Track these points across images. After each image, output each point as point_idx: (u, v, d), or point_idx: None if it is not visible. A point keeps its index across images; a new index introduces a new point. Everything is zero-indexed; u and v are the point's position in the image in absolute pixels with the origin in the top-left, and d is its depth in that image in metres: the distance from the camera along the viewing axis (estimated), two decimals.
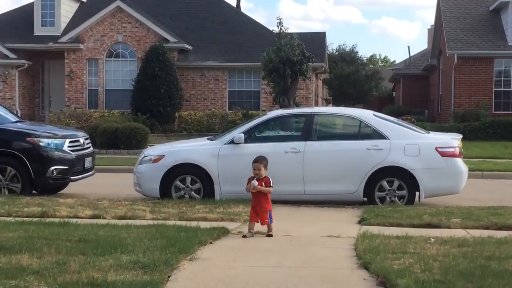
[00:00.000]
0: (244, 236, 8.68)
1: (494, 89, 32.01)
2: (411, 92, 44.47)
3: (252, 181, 9.03)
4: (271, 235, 8.77)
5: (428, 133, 13.06)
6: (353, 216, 10.73)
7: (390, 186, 11.93)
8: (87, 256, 6.89)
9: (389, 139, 12.00)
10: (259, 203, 8.98)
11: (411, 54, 49.86)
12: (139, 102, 31.51)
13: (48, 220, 9.61)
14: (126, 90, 33.08)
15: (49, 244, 7.49)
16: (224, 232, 8.82)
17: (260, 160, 9.25)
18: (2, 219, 9.48)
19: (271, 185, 9.11)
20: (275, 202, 11.79)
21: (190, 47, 33.71)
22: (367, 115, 12.66)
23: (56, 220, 9.64)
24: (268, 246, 8.14)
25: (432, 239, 8.18)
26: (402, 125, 12.71)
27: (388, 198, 11.92)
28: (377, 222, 9.79)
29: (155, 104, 31.18)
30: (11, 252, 6.99)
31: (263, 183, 9.06)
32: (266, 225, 8.94)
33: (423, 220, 9.78)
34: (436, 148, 11.97)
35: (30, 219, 9.65)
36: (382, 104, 44.99)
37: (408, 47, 74.34)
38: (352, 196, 12.00)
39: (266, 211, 8.94)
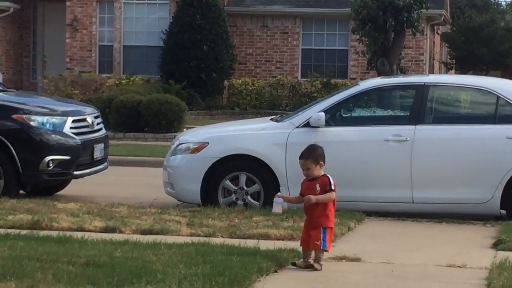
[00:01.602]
0: (294, 264, 8.49)
1: None
2: None
3: (306, 197, 8.59)
4: (313, 268, 8.37)
5: None
6: (485, 236, 10.63)
7: None
8: (98, 287, 6.94)
9: None
10: (310, 218, 8.67)
11: None
12: (172, 65, 31.77)
13: (42, 233, 9.67)
14: (153, 47, 33.38)
15: (44, 268, 7.52)
16: (295, 256, 8.83)
17: (306, 154, 8.82)
18: None
19: (333, 187, 8.63)
20: (369, 213, 11.80)
21: None
22: (508, 88, 12.51)
23: (54, 233, 9.71)
24: (360, 279, 8.12)
25: None
26: None
27: None
28: None
29: (195, 68, 31.40)
30: None
31: (317, 186, 8.65)
32: (315, 250, 8.50)
33: None
34: None
35: (17, 231, 9.73)
36: None
37: None
38: (484, 207, 11.90)
39: (320, 229, 8.52)
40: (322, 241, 8.42)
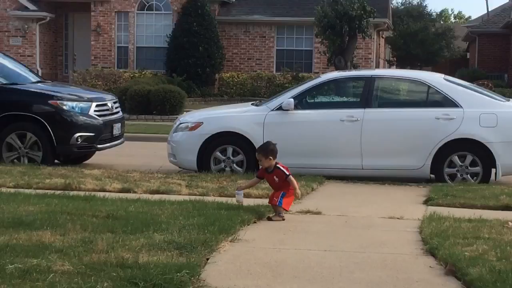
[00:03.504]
0: (269, 218, 8.47)
1: None
2: (489, 53, 43.71)
3: (296, 194, 8.65)
4: (270, 219, 8.43)
5: (508, 100, 12.85)
6: (418, 195, 10.67)
7: (462, 162, 11.82)
8: (116, 234, 6.93)
9: (461, 107, 11.87)
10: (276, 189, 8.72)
11: (490, 9, 48.99)
12: (174, 62, 31.68)
13: (72, 193, 9.72)
14: (159, 48, 33.30)
15: (73, 220, 7.56)
16: (270, 210, 8.82)
17: (259, 149, 8.97)
18: (22, 191, 9.57)
19: (287, 173, 8.61)
20: (328, 177, 11.82)
21: None
22: (436, 79, 12.52)
23: (81, 193, 9.76)
24: (320, 227, 8.13)
25: (511, 223, 8.09)
26: (477, 91, 12.54)
27: (459, 175, 11.82)
28: (446, 203, 9.72)
29: (192, 64, 31.35)
30: (32, 228, 7.07)
31: (275, 178, 8.65)
32: (273, 205, 8.57)
33: (500, 201, 9.67)
34: None
35: (53, 191, 9.76)
36: (454, 67, 44.41)
37: (486, 0, 72.97)
38: (418, 172, 11.94)
39: (280, 192, 8.57)
40: (279, 199, 8.50)
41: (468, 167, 11.82)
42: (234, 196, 9.29)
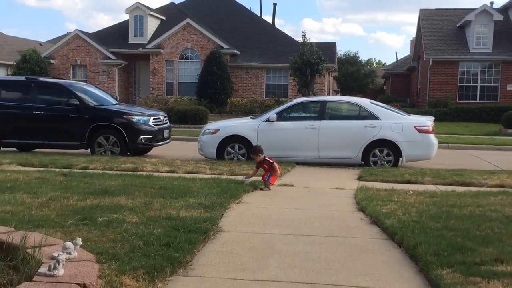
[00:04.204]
0: (261, 189, 8.36)
1: (458, 84, 31.56)
2: (398, 86, 43.91)
3: (265, 180, 8.41)
4: (262, 189, 8.31)
5: (409, 115, 12.82)
6: (354, 174, 10.70)
7: (381, 153, 11.81)
8: (165, 199, 6.95)
9: (380, 119, 11.85)
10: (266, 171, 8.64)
11: (398, 58, 49.10)
12: (202, 91, 31.64)
13: (138, 173, 9.75)
14: (193, 83, 33.20)
15: (139, 190, 7.58)
16: (262, 184, 8.81)
17: (251, 151, 8.93)
18: (107, 172, 9.62)
19: (271, 161, 8.53)
20: (298, 163, 11.81)
21: (238, 52, 33.57)
22: (365, 102, 12.50)
23: (144, 173, 9.78)
24: (293, 194, 8.15)
25: (411, 192, 8.11)
26: (390, 110, 12.52)
27: (379, 162, 11.80)
28: (371, 179, 9.74)
29: (213, 93, 31.31)
30: (113, 195, 7.09)
31: (265, 165, 8.59)
32: (264, 181, 8.48)
33: (404, 178, 9.70)
34: (415, 127, 11.81)
35: (126, 172, 9.79)
36: (376, 94, 44.35)
37: (396, 53, 73.65)
38: (353, 160, 11.93)
39: (268, 173, 8.52)
40: (267, 177, 8.50)
41: (385, 157, 11.80)
42: (241, 175, 9.31)
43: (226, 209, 6.68)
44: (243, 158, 12.08)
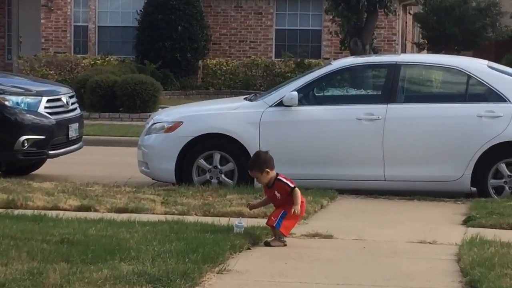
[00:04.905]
0: (267, 244, 8.48)
1: None
2: None
3: (292, 212, 8.40)
4: (268, 244, 8.45)
5: None
6: (456, 213, 10.68)
7: (511, 172, 11.85)
8: (72, 264, 6.89)
9: (510, 102, 11.90)
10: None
11: None
12: (146, 45, 31.73)
13: (17, 212, 9.64)
14: (128, 28, 33.31)
15: (18, 246, 7.51)
16: (268, 233, 8.81)
17: (250, 165, 8.84)
18: None
19: (291, 185, 8.57)
20: (342, 191, 11.81)
21: None
22: (479, 67, 12.53)
23: (29, 212, 9.68)
24: (331, 255, 8.14)
25: None
26: None
27: (507, 188, 11.83)
28: (491, 223, 9.71)
29: (169, 48, 31.40)
30: None
31: (276, 194, 8.59)
32: (270, 226, 8.54)
33: None
34: None
35: None
36: (502, 51, 44.34)
37: None
38: (455, 185, 11.94)
39: (281, 210, 8.51)
40: (278, 220, 8.42)
41: None
42: (222, 216, 9.30)
43: (195, 284, 6.66)
44: (230, 181, 12.11)
